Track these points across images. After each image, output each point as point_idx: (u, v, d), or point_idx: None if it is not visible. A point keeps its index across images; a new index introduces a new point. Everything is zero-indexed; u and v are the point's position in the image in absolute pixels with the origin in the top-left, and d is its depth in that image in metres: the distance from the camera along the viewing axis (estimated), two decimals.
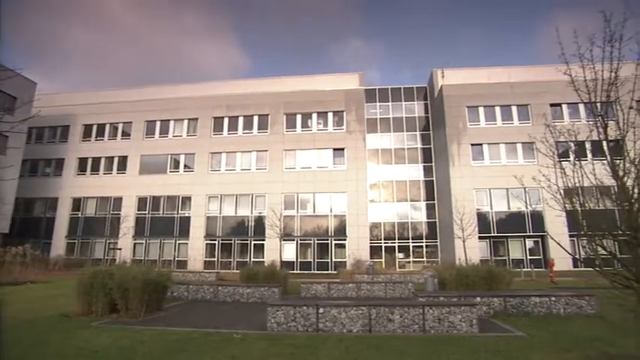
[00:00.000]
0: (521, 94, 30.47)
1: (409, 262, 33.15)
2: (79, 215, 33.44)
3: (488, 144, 30.23)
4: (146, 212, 32.50)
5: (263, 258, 29.54)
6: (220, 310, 11.36)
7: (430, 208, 34.71)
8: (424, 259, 33.08)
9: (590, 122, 5.68)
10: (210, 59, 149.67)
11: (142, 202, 32.76)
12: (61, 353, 6.32)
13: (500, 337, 7.31)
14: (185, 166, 33.50)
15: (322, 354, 6.12)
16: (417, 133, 36.66)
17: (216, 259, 30.95)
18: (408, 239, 34.03)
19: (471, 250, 23.59)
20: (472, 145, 30.26)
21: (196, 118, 34.13)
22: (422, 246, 33.88)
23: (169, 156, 33.63)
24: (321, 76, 35.96)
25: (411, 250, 33.76)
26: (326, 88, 34.04)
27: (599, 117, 5.50)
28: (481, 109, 31.09)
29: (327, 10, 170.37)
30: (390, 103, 37.44)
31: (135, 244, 31.95)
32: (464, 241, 22.70)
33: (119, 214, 32.03)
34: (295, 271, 28.43)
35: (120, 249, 30.06)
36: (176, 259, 31.14)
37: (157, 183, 32.71)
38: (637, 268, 4.83)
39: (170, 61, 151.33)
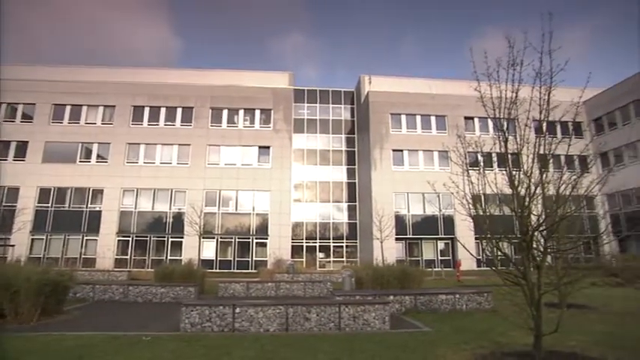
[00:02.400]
0: (440, 106, 32.68)
1: (329, 261, 33.90)
2: None
3: (409, 150, 31.99)
4: (49, 205, 29.45)
5: (181, 256, 28.34)
6: (130, 311, 10.70)
7: (351, 210, 35.81)
8: (344, 258, 34.04)
9: (495, 136, 6.28)
10: (139, 37, 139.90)
11: (44, 193, 29.60)
12: None
13: (409, 332, 7.74)
14: (98, 156, 30.95)
15: (237, 354, 6.03)
16: (343, 135, 37.64)
17: (129, 257, 29.02)
18: (329, 239, 34.79)
19: (388, 250, 24.75)
20: (393, 150, 31.81)
21: (114, 106, 31.72)
22: (342, 246, 34.84)
23: (80, 144, 30.81)
24: (251, 73, 35.49)
25: (331, 250, 34.55)
26: (255, 84, 33.62)
27: (502, 132, 6.10)
28: (403, 117, 32.81)
29: (269, 1, 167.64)
30: (317, 105, 37.99)
31: (33, 240, 28.82)
32: (381, 242, 23.73)
33: (14, 206, 28.58)
34: (214, 270, 27.69)
35: (12, 245, 26.83)
36: (83, 256, 28.62)
37: (64, 173, 29.76)
38: (525, 268, 5.42)
39: (93, 34, 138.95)
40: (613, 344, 6.36)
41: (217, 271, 28.01)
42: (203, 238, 25.50)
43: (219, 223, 30.48)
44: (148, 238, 29.64)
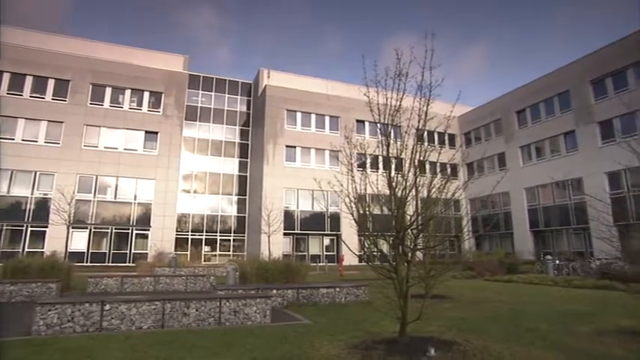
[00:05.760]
0: (334, 107, 33.97)
1: (215, 255, 33.03)
2: None
3: (301, 147, 32.67)
4: None
5: (43, 248, 25.01)
6: None
7: (241, 203, 35.35)
8: (231, 252, 33.48)
9: (380, 140, 6.71)
10: None
11: None
12: None
13: (290, 325, 7.89)
14: None
15: (101, 356, 5.49)
16: (237, 127, 36.90)
17: None
18: (217, 232, 33.88)
19: (275, 245, 24.98)
20: (287, 146, 32.21)
21: None
22: (230, 239, 34.21)
23: None
24: (142, 51, 32.82)
25: (218, 244, 33.69)
26: (147, 64, 31.12)
27: (384, 136, 6.54)
28: (299, 114, 33.39)
29: None
30: (213, 94, 36.64)
31: None
32: (269, 237, 23.86)
33: None
34: (85, 264, 25.18)
35: None
36: None
37: None
38: (397, 263, 5.92)
39: None
40: (462, 327, 7.31)
41: (89, 264, 25.46)
42: (73, 228, 22.87)
43: (93, 212, 27.65)
44: (1, 228, 25.55)
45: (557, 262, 20.69)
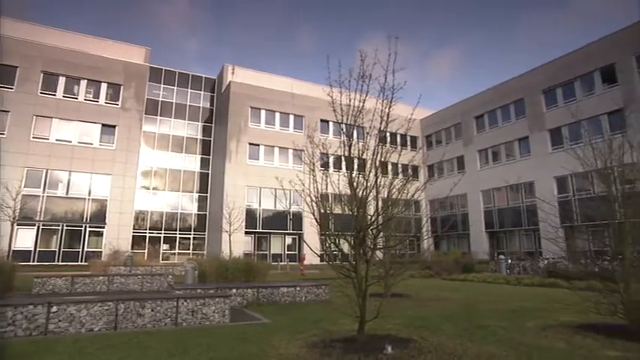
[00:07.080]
0: (299, 106, 33.94)
1: (174, 253, 32.19)
2: None
3: (265, 146, 32.42)
4: None
5: None
6: None
7: (202, 201, 34.66)
8: (190, 251, 32.74)
9: (343, 140, 6.76)
10: None
11: None
12: None
13: (249, 324, 7.82)
14: None
15: None
16: (199, 123, 36.11)
17: None
18: (176, 230, 33.02)
19: (236, 243, 24.64)
20: (250, 144, 31.88)
21: None
22: (189, 238, 33.44)
23: None
24: (101, 41, 31.45)
25: (177, 242, 32.84)
26: (105, 55, 29.83)
27: (347, 137, 6.61)
28: (263, 112, 33.11)
29: None
30: (175, 88, 35.66)
31: None
32: (230, 235, 23.51)
33: None
34: (32, 263, 23.88)
35: None
36: None
37: None
38: (356, 262, 6.00)
39: None
40: (418, 325, 7.51)
41: (36, 263, 24.16)
42: (18, 224, 21.60)
43: (42, 208, 26.20)
44: None
45: (510, 261, 21.66)
